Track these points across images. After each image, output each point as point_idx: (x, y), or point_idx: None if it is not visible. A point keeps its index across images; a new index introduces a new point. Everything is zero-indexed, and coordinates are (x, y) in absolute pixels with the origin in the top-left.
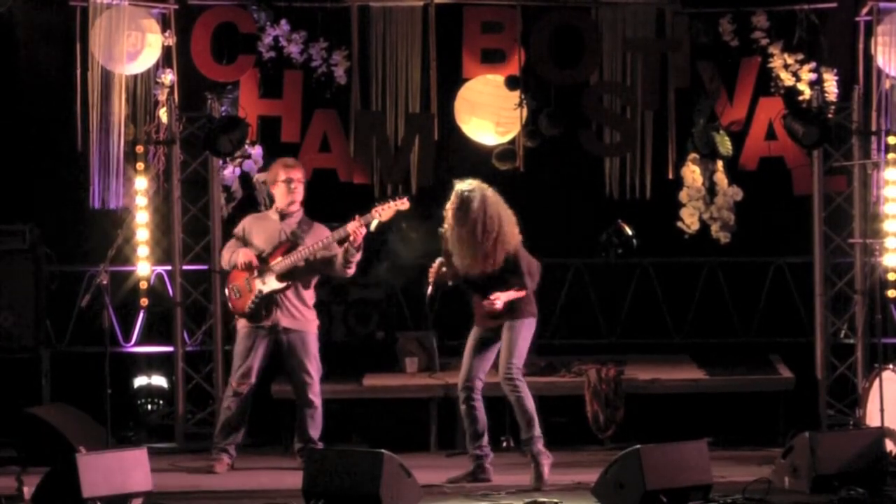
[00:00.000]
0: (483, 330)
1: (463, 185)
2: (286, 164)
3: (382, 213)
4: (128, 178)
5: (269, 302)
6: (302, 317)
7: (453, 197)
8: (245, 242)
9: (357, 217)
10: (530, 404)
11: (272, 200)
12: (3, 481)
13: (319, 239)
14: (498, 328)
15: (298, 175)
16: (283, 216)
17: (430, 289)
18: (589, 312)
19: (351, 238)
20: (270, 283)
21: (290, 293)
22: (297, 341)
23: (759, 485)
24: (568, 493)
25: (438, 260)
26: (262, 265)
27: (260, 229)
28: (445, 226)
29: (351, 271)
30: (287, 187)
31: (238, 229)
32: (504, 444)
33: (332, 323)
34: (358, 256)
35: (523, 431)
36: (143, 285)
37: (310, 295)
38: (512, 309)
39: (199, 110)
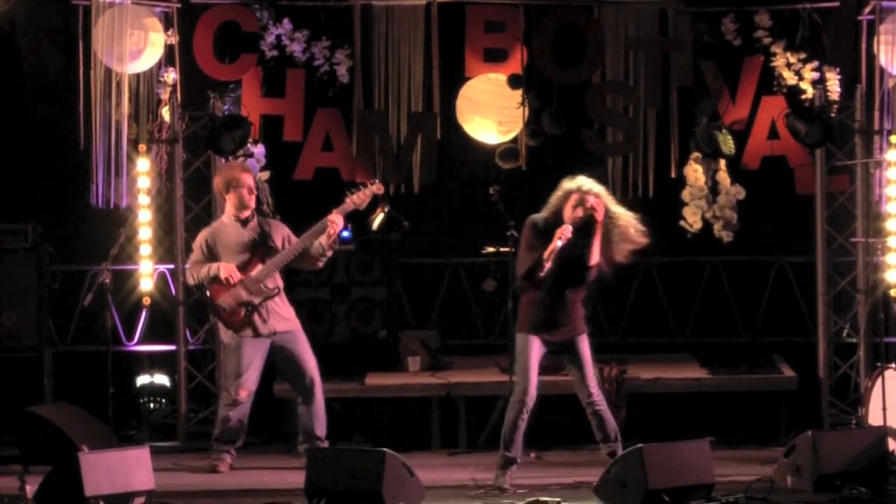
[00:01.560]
0: (543, 342)
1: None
2: (245, 168)
3: (357, 200)
4: (130, 176)
5: (261, 311)
6: (290, 315)
7: (598, 192)
8: (211, 257)
9: (334, 210)
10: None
11: (275, 200)
12: (5, 480)
13: (285, 243)
14: (563, 341)
15: (253, 181)
16: (245, 222)
17: (558, 244)
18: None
19: (329, 231)
20: (260, 293)
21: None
22: (293, 342)
23: (762, 484)
24: (570, 493)
25: (568, 226)
26: (244, 277)
27: (227, 242)
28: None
29: (320, 264)
30: (248, 193)
31: (200, 244)
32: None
33: (334, 322)
34: (330, 252)
35: (613, 442)
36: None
37: (283, 288)
38: (579, 321)
39: (201, 109)
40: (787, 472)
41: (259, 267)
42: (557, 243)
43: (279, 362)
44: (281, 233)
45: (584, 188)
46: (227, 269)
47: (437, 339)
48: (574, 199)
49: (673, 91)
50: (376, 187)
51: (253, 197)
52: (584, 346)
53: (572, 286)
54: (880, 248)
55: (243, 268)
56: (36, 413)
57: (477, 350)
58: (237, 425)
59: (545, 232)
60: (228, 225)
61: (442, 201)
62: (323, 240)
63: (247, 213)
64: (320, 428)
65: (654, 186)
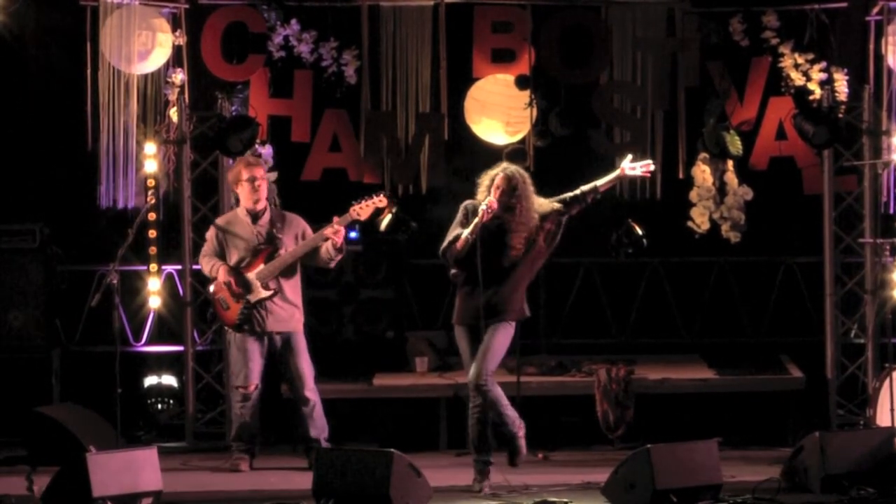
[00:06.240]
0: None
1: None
2: (248, 162)
3: (361, 212)
4: (138, 177)
5: (259, 310)
6: (289, 317)
7: (511, 176)
8: (222, 249)
9: (335, 218)
10: None
11: (282, 201)
12: (13, 481)
13: (299, 240)
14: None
15: (261, 173)
16: (255, 216)
17: (470, 237)
18: (599, 312)
19: (332, 240)
20: (257, 293)
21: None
22: (285, 342)
23: (769, 484)
24: (578, 493)
25: (493, 200)
26: (242, 277)
27: (235, 235)
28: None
29: (332, 266)
30: (251, 186)
31: (212, 237)
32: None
33: (341, 323)
34: (339, 256)
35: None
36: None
37: (293, 289)
38: (512, 309)
39: (209, 110)
40: (795, 472)
41: (260, 267)
42: (483, 207)
43: (276, 363)
44: (295, 230)
45: (505, 171)
46: (224, 273)
47: (444, 340)
48: (497, 180)
49: (680, 91)
50: (379, 200)
51: (258, 191)
52: (499, 333)
53: (503, 271)
54: (888, 249)
55: (246, 266)
56: (43, 413)
57: None
58: (249, 422)
59: (475, 214)
60: (241, 218)
61: (450, 202)
62: (329, 248)
63: (259, 206)
64: (315, 430)
65: (662, 187)
